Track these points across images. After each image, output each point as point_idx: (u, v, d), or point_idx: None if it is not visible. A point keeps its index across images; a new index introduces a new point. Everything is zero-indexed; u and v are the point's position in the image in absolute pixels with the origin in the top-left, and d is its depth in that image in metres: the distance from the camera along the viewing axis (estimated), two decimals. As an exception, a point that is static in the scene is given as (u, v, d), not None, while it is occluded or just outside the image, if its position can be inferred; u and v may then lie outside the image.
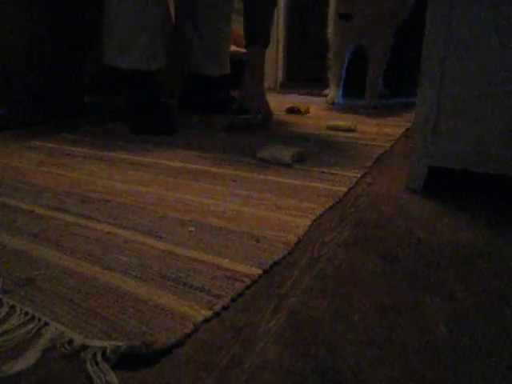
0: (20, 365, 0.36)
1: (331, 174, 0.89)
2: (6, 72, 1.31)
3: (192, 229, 0.62)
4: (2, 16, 1.27)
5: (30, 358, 0.37)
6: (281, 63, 2.68)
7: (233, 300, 0.46)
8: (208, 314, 0.43)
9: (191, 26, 1.57)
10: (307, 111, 1.68)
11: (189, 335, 0.40)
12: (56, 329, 0.40)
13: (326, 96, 2.03)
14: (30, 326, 0.41)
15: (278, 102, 1.98)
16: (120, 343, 0.37)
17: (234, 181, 0.84)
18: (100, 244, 0.57)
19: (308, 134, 1.28)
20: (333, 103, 1.94)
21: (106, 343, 0.38)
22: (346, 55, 1.89)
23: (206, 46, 1.60)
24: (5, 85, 1.31)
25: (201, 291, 0.46)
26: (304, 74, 2.66)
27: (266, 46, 1.36)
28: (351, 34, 1.79)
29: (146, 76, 1.34)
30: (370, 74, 1.84)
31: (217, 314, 0.43)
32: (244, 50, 1.40)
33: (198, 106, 1.69)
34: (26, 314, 0.42)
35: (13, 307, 0.44)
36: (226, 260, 0.53)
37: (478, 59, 0.72)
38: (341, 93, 1.98)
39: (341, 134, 1.30)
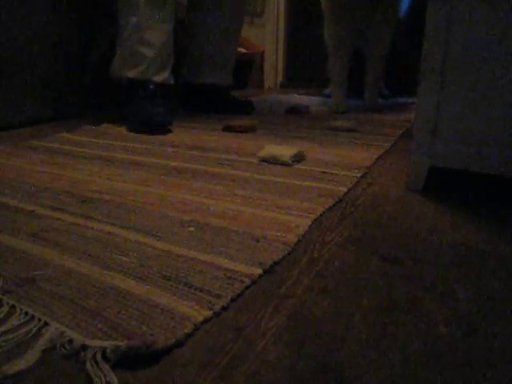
0: (20, 365, 0.36)
1: (331, 174, 0.89)
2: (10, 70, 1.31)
3: (192, 229, 0.62)
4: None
5: (30, 358, 0.37)
6: (281, 63, 2.68)
7: (233, 300, 0.46)
8: (208, 314, 0.43)
9: (204, 37, 1.63)
10: (307, 111, 1.67)
11: (189, 335, 0.40)
12: (56, 329, 0.40)
13: (326, 95, 2.03)
14: (30, 325, 0.41)
15: (278, 102, 1.98)
16: (120, 343, 0.37)
17: (234, 181, 0.84)
18: (100, 244, 0.57)
19: (308, 134, 1.28)
20: (340, 112, 1.74)
21: (106, 343, 0.38)
22: (347, 57, 1.76)
23: (220, 57, 1.66)
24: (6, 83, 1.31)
25: (201, 291, 0.46)
26: (304, 74, 2.66)
27: None
28: (349, 36, 1.73)
29: (148, 84, 1.37)
30: (369, 76, 1.80)
31: (217, 314, 0.43)
32: (244, 50, 1.43)
33: (199, 106, 1.70)
34: (26, 314, 0.42)
35: (13, 307, 0.44)
36: (226, 260, 0.53)
37: (479, 59, 0.72)
38: (346, 99, 1.80)
39: (341, 133, 1.30)
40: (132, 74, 1.36)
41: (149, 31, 1.33)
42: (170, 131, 1.31)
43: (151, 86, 1.36)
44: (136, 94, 1.35)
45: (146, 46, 1.34)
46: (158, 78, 1.37)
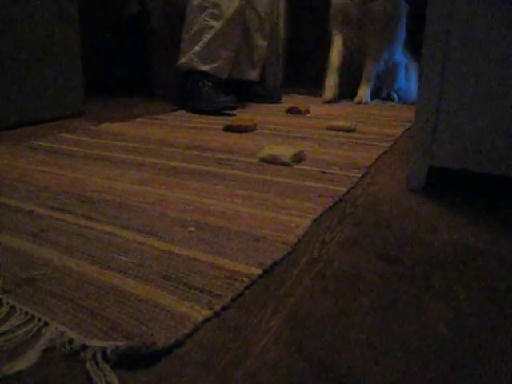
0: (20, 365, 0.36)
1: (331, 174, 0.89)
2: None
3: (192, 229, 0.62)
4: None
5: (30, 357, 0.37)
6: (281, 63, 2.68)
7: (233, 300, 0.46)
8: (208, 314, 0.43)
9: (243, 36, 1.84)
10: (307, 111, 1.67)
11: (189, 335, 0.40)
12: (56, 329, 0.40)
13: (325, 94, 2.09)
14: (30, 325, 0.41)
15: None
16: (120, 343, 0.37)
17: (234, 181, 0.84)
18: (100, 244, 0.57)
19: (308, 134, 1.28)
20: (330, 101, 2.00)
21: (106, 343, 0.38)
22: (345, 48, 2.03)
23: (253, 55, 1.88)
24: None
25: (201, 291, 0.46)
26: (304, 74, 2.66)
27: None
28: (351, 33, 1.99)
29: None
30: (366, 73, 1.99)
31: (217, 314, 0.43)
32: None
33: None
34: (26, 314, 0.42)
35: (13, 307, 0.44)
36: (226, 260, 0.53)
37: (479, 59, 0.72)
38: (336, 89, 2.06)
39: (341, 133, 1.30)
40: (207, 68, 1.63)
41: (228, 39, 1.64)
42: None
43: (216, 81, 1.65)
44: (203, 84, 1.63)
45: (223, 51, 1.65)
46: (224, 75, 1.68)
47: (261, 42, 1.91)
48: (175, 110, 1.71)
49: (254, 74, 1.93)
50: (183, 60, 1.67)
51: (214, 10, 1.60)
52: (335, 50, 2.03)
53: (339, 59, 2.02)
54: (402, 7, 1.98)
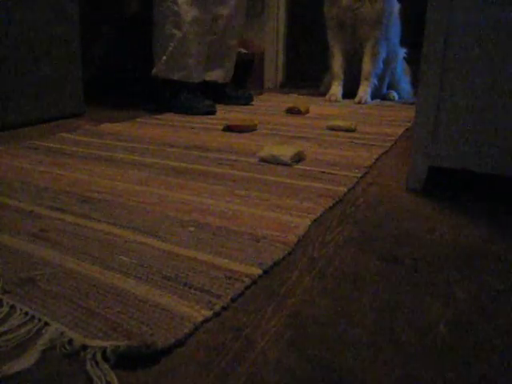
0: (20, 365, 0.36)
1: (331, 174, 0.89)
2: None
3: (192, 229, 0.62)
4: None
5: (30, 357, 0.37)
6: (281, 63, 2.68)
7: (233, 300, 0.46)
8: (208, 314, 0.43)
9: (215, 38, 1.82)
10: (307, 111, 1.67)
11: (189, 335, 0.40)
12: (56, 329, 0.40)
13: (325, 91, 2.09)
14: (30, 325, 0.41)
15: (278, 102, 1.98)
16: (120, 343, 0.37)
17: (234, 181, 0.84)
18: (100, 244, 0.57)
19: (308, 134, 1.28)
20: (336, 101, 2.02)
21: (105, 343, 0.38)
22: (344, 54, 2.06)
23: (216, 55, 1.84)
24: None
25: (201, 291, 0.46)
26: (304, 74, 2.66)
27: None
28: (346, 36, 2.03)
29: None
30: (365, 72, 2.00)
31: (217, 314, 0.43)
32: (245, 50, 1.47)
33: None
34: (26, 314, 0.42)
35: (13, 307, 0.44)
36: (226, 260, 0.53)
37: (478, 60, 0.72)
38: (341, 91, 2.07)
39: (341, 134, 1.30)
40: (176, 76, 1.66)
41: (192, 44, 1.65)
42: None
43: (192, 86, 1.68)
44: (180, 91, 1.67)
45: (189, 57, 1.65)
46: (196, 79, 1.70)
47: (230, 42, 1.88)
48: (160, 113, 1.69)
49: (223, 75, 1.89)
50: (154, 70, 1.70)
51: (175, 19, 1.62)
52: (336, 63, 2.06)
53: (341, 69, 2.06)
54: (391, 5, 1.98)
